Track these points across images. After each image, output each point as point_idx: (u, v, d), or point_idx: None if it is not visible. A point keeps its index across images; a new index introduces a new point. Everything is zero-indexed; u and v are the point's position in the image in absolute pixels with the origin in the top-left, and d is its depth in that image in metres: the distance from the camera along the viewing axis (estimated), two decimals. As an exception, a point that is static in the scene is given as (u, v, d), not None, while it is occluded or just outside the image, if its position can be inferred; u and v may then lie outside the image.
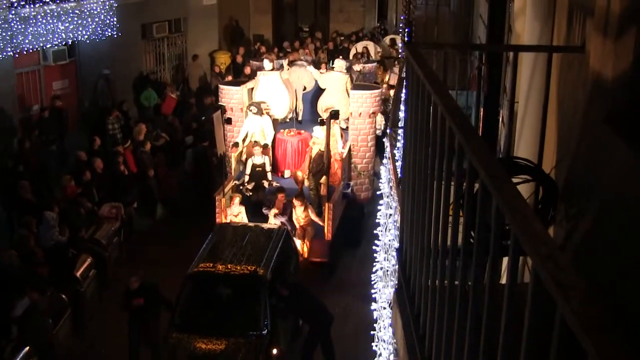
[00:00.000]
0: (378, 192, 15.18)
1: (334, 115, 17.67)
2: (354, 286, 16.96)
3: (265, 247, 14.99)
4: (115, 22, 25.53)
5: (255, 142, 19.21)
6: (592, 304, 1.99)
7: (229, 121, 18.73)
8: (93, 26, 24.79)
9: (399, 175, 10.64)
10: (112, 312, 14.90)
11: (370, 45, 30.78)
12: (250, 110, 19.39)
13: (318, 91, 20.77)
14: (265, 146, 19.29)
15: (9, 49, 22.03)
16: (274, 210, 17.34)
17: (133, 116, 25.46)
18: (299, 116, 21.31)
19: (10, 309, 13.59)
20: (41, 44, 23.20)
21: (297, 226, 17.41)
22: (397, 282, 6.13)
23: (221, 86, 20.95)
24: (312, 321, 14.17)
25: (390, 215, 12.10)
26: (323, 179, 17.82)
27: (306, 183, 18.52)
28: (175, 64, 30.87)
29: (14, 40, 22.08)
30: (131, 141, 21.32)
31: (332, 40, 33.54)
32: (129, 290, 13.81)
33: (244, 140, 19.57)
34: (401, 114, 13.28)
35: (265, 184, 18.81)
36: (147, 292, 13.77)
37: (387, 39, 32.54)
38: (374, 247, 13.61)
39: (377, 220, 14.04)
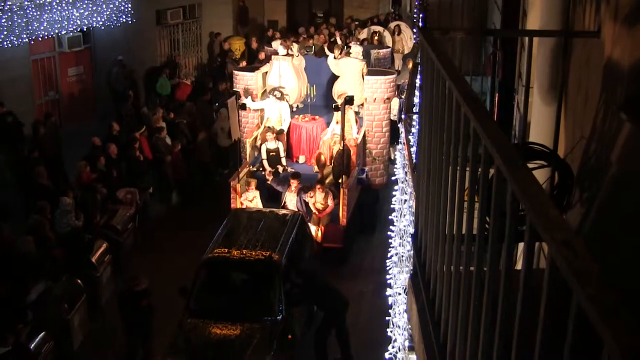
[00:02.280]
0: (393, 178, 15.17)
1: (349, 101, 17.63)
2: (368, 272, 16.98)
3: (280, 232, 14.97)
4: (129, 9, 25.58)
5: (269, 127, 19.24)
6: (607, 291, 1.99)
7: (243, 107, 18.76)
8: (108, 12, 24.84)
9: (414, 160, 10.63)
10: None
11: (382, 30, 30.56)
12: (275, 95, 19.43)
13: (333, 77, 20.72)
14: (280, 132, 19.33)
15: (25, 36, 22.11)
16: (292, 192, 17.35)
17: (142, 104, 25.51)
18: (312, 101, 21.27)
19: (26, 294, 13.68)
20: (56, 31, 23.28)
21: (314, 211, 17.37)
22: (412, 268, 6.14)
23: (235, 72, 21.00)
24: (326, 307, 14.17)
25: (405, 200, 12.08)
26: (343, 179, 17.72)
27: (327, 179, 18.36)
28: (190, 49, 30.89)
29: (30, 27, 22.16)
30: (146, 127, 21.35)
31: (345, 27, 33.36)
32: (131, 292, 13.55)
33: (260, 122, 19.69)
34: (416, 100, 13.27)
35: (280, 169, 18.77)
36: (149, 294, 13.66)
37: (391, 25, 32.16)
38: (388, 233, 13.60)
39: (392, 206, 14.03)
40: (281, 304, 13.57)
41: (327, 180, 18.12)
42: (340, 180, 17.75)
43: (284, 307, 13.57)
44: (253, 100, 19.56)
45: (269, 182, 18.10)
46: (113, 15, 25.08)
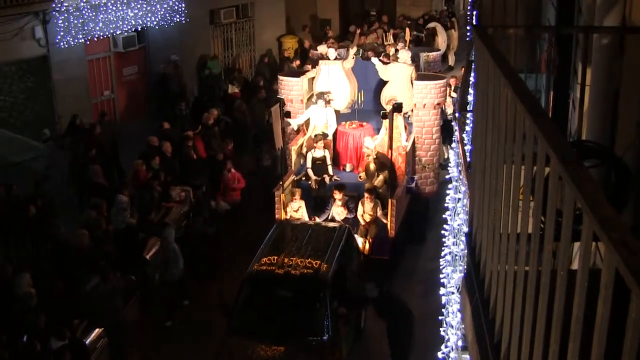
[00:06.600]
0: (447, 177, 15.04)
1: (397, 108, 16.90)
2: (419, 277, 16.75)
3: (326, 246, 14.36)
4: (183, 8, 25.79)
5: (316, 135, 18.53)
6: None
7: (287, 115, 17.89)
8: (162, 12, 25.09)
9: (468, 159, 10.57)
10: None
11: (438, 27, 30.49)
12: (318, 104, 18.82)
13: (381, 80, 19.95)
14: (326, 136, 18.57)
15: (81, 36, 22.44)
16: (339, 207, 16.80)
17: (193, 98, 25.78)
18: (359, 107, 20.52)
19: (80, 289, 13.84)
20: (111, 31, 23.56)
21: (362, 222, 16.73)
22: (466, 267, 6.10)
23: (280, 77, 20.27)
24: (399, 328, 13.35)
25: (459, 199, 12.03)
26: (380, 180, 17.34)
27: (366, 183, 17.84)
28: (244, 48, 31.02)
29: (85, 28, 22.47)
30: (201, 126, 21.47)
31: (398, 26, 33.26)
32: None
33: (306, 129, 19.25)
34: (470, 98, 13.19)
35: (327, 178, 18.04)
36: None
37: (446, 22, 32.20)
38: (442, 232, 13.51)
39: (445, 204, 13.96)
40: (327, 322, 12.98)
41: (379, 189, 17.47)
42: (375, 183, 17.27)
43: (331, 326, 12.97)
44: (295, 117, 18.89)
45: (315, 193, 17.75)
46: (167, 14, 25.31)
